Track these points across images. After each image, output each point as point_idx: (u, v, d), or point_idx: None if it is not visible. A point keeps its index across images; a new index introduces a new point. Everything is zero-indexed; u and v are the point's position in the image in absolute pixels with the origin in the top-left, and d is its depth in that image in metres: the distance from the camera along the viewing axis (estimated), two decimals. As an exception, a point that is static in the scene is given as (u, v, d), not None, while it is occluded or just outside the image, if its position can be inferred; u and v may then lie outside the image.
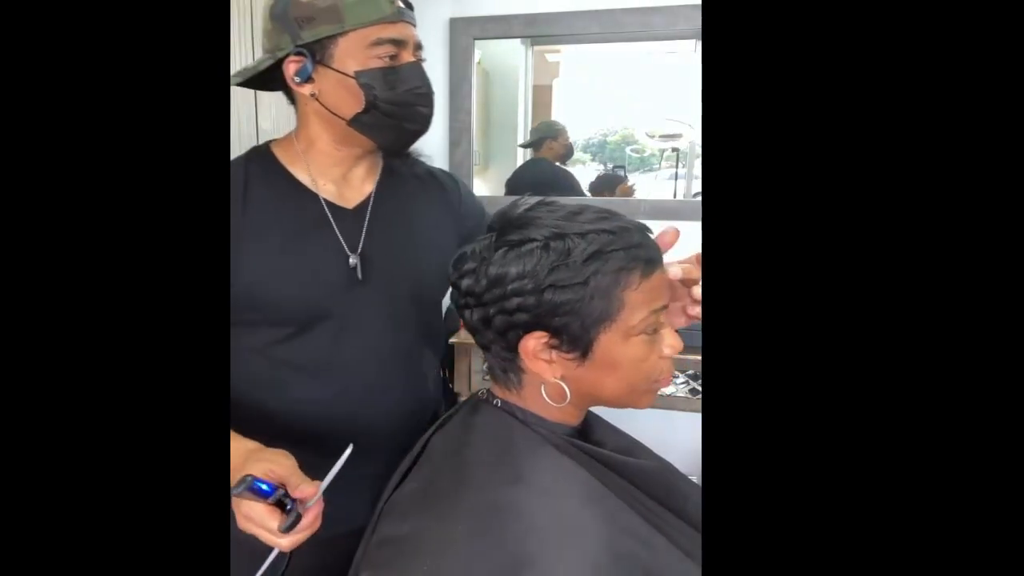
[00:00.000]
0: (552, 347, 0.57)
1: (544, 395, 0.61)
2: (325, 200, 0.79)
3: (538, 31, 1.65)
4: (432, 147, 1.76)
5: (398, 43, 0.73)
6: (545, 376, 0.58)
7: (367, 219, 0.81)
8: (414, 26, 0.77)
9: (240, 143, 1.20)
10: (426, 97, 0.78)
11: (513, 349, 0.58)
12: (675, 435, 1.36)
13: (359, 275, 0.78)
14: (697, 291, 0.65)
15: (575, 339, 0.56)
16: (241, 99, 1.20)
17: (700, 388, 1.47)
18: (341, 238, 0.78)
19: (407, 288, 0.82)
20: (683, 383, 1.50)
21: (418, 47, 0.77)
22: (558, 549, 0.51)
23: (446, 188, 0.92)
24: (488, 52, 1.75)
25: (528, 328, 0.56)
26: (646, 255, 0.57)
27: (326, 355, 0.78)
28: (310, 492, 0.57)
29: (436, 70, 1.73)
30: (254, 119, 1.24)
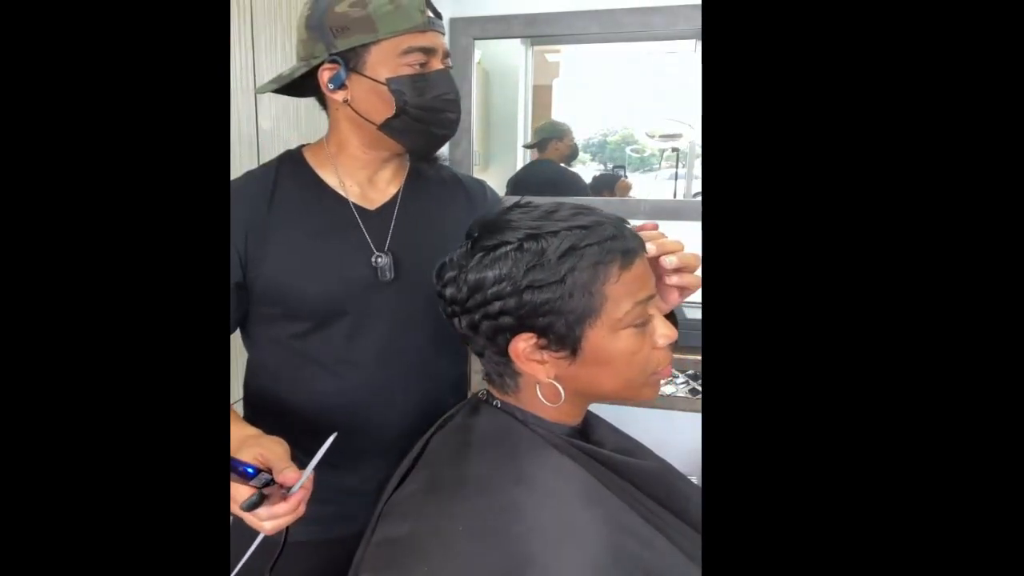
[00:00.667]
0: (542, 347, 0.57)
1: (540, 396, 0.61)
2: (350, 201, 0.82)
3: (538, 31, 1.64)
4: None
5: (428, 51, 0.76)
6: (539, 377, 0.58)
7: (393, 220, 0.83)
8: (443, 34, 0.79)
9: (240, 143, 1.20)
10: (454, 103, 0.80)
11: (504, 353, 0.58)
12: (675, 435, 1.36)
13: (390, 273, 0.80)
14: (667, 260, 0.64)
15: (562, 338, 0.56)
16: (241, 99, 1.20)
17: (700, 388, 1.47)
18: (368, 238, 0.81)
19: (426, 291, 0.83)
20: (683, 383, 1.50)
21: (446, 55, 0.79)
22: (559, 550, 0.51)
23: (471, 192, 0.93)
24: (488, 52, 1.75)
25: (515, 331, 0.57)
26: (622, 247, 0.57)
27: (343, 351, 0.80)
28: (292, 478, 0.58)
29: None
30: (254, 119, 1.24)
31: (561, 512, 0.54)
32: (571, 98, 1.79)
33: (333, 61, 0.76)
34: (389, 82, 0.75)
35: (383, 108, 0.77)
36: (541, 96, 1.79)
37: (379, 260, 0.80)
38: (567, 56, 1.80)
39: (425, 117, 0.78)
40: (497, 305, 0.56)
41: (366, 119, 0.78)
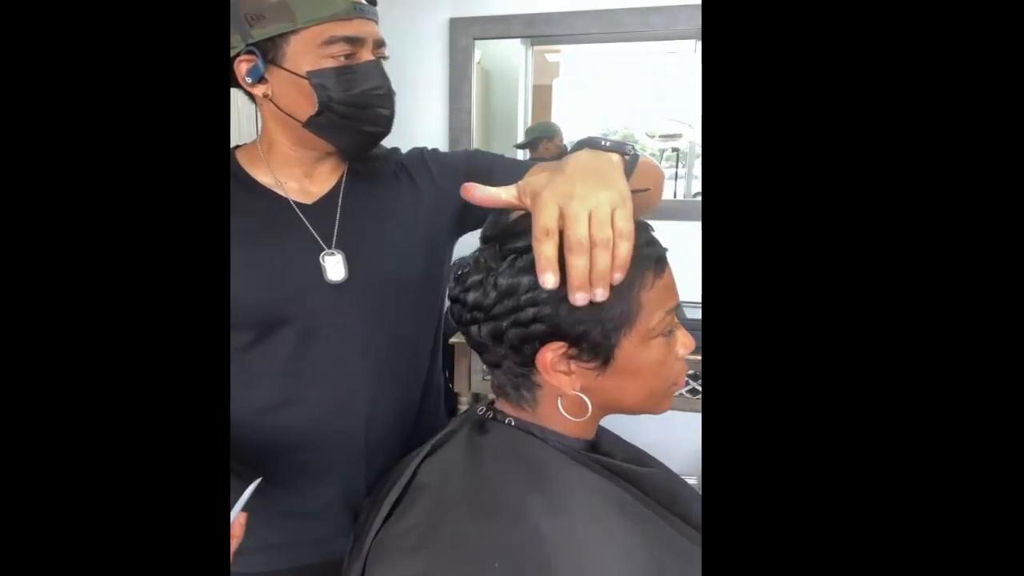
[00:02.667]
0: (571, 357, 0.54)
1: (561, 410, 0.57)
2: (287, 199, 0.76)
3: (538, 31, 1.65)
4: (432, 147, 1.76)
5: (354, 41, 0.70)
6: (564, 389, 0.55)
7: (339, 212, 0.76)
8: (374, 22, 0.73)
9: (240, 143, 1.20)
10: (386, 98, 0.73)
11: (528, 363, 0.55)
12: (675, 435, 1.36)
13: (343, 272, 0.73)
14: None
15: (596, 346, 0.53)
16: (241, 99, 1.19)
17: (700, 388, 1.47)
18: (315, 234, 0.74)
19: (385, 289, 0.76)
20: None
21: (379, 44, 0.73)
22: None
23: (415, 174, 0.84)
24: (488, 52, 1.75)
25: (545, 339, 0.53)
26: (656, 254, 0.55)
27: (294, 361, 0.73)
28: None
29: (436, 70, 1.73)
30: (254, 119, 1.24)
31: (607, 536, 0.51)
32: (571, 98, 1.79)
33: (250, 52, 0.69)
34: (310, 75, 0.69)
35: (305, 104, 0.70)
36: (541, 96, 1.80)
37: (326, 258, 0.72)
38: (567, 56, 1.81)
39: (352, 114, 0.71)
40: (531, 311, 0.53)
41: (290, 116, 0.72)
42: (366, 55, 0.71)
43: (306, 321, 0.73)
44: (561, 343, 0.53)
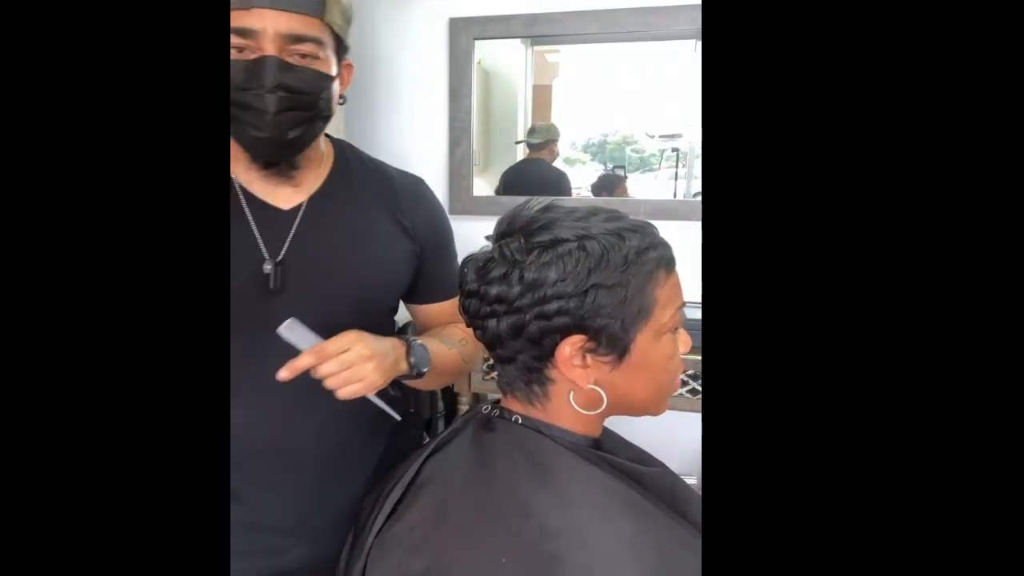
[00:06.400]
0: (588, 351, 0.55)
1: (573, 404, 0.58)
2: (253, 201, 0.74)
3: (538, 31, 1.64)
4: (432, 147, 1.76)
5: (246, 34, 0.64)
6: (580, 383, 0.56)
7: (296, 222, 0.74)
8: (292, 12, 0.64)
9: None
10: (270, 99, 0.65)
11: (546, 357, 0.56)
12: (675, 435, 1.36)
13: (272, 284, 0.71)
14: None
15: (614, 340, 0.55)
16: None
17: (700, 388, 1.47)
18: (261, 243, 0.72)
19: (340, 299, 0.75)
20: (683, 383, 1.50)
21: (294, 39, 0.65)
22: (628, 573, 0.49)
23: (400, 194, 0.83)
24: (488, 52, 1.75)
25: (566, 332, 0.54)
26: (668, 253, 0.58)
27: (242, 372, 0.68)
28: None
29: (436, 70, 1.73)
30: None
31: (616, 532, 0.51)
32: (571, 98, 1.79)
33: None
34: None
35: None
36: (541, 96, 1.80)
37: (267, 267, 0.71)
38: (567, 56, 1.81)
39: (236, 114, 0.66)
40: (555, 305, 0.54)
41: None
42: (267, 49, 0.64)
43: (252, 330, 0.70)
44: (580, 337, 0.55)
